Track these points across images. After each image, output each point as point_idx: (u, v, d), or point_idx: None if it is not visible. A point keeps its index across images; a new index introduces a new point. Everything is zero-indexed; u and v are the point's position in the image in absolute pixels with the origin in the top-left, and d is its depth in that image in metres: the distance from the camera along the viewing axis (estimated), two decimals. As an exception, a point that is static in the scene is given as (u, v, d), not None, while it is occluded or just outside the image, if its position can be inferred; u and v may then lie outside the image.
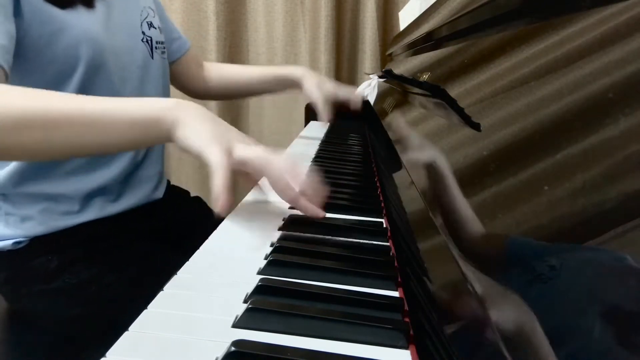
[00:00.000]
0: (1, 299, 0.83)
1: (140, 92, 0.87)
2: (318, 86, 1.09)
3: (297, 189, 0.57)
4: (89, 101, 0.61)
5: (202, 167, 1.96)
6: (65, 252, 0.79)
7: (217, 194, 0.54)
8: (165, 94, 0.96)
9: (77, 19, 0.75)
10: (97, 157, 0.81)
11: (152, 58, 0.89)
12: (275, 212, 0.63)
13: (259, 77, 1.16)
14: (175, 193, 1.04)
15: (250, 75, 1.17)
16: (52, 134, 0.58)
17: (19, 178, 0.78)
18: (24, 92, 0.59)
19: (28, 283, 0.79)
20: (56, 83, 0.74)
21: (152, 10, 0.94)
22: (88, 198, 0.81)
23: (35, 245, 0.79)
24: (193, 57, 1.11)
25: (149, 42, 0.89)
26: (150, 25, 0.91)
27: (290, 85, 1.14)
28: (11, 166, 0.78)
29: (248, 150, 0.57)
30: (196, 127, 0.58)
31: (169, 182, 1.03)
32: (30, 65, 0.73)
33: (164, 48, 0.94)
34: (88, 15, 0.77)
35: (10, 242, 0.78)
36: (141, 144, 0.72)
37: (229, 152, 0.56)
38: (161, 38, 0.93)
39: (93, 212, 0.81)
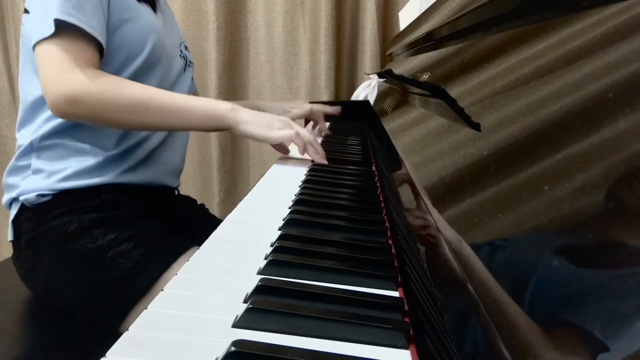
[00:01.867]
0: (20, 268, 0.86)
1: None
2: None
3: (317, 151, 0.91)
4: (177, 96, 0.85)
5: (201, 165, 1.96)
6: (86, 215, 0.83)
7: (301, 150, 0.90)
8: None
9: (147, 13, 0.90)
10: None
11: (184, 72, 1.03)
12: (276, 212, 0.63)
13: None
14: (184, 199, 1.13)
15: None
16: (151, 117, 0.82)
17: (55, 137, 0.86)
18: (134, 84, 0.83)
19: (48, 244, 0.83)
20: (122, 64, 0.87)
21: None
22: (113, 162, 0.89)
23: (58, 202, 0.84)
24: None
25: (185, 58, 1.04)
26: (186, 48, 1.07)
27: None
28: (51, 124, 0.86)
29: (287, 131, 0.87)
30: (255, 124, 0.86)
31: (178, 190, 1.10)
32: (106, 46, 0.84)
33: (192, 69, 1.09)
34: (152, 15, 0.92)
35: (34, 194, 0.84)
36: (208, 129, 0.93)
37: (288, 136, 0.87)
38: (193, 61, 1.10)
39: (114, 177, 0.88)
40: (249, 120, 0.85)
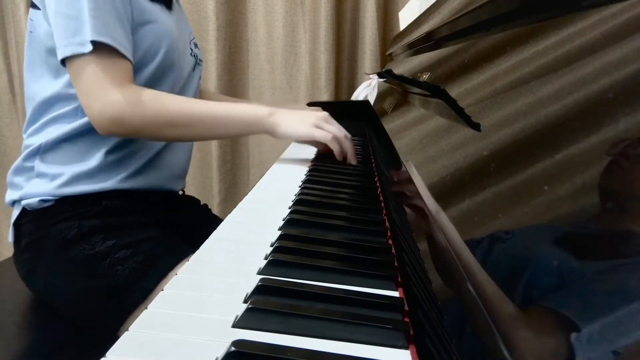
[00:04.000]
0: (20, 269, 0.86)
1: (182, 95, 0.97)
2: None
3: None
4: (216, 106, 0.87)
5: (201, 165, 1.96)
6: (86, 221, 0.83)
7: (338, 154, 0.91)
8: None
9: (162, 15, 0.89)
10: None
11: (193, 71, 1.02)
12: (276, 212, 0.63)
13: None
14: (187, 199, 1.12)
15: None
16: (194, 129, 0.85)
17: (61, 142, 0.86)
18: (174, 98, 0.86)
19: (47, 249, 0.83)
20: (135, 69, 0.86)
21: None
22: (115, 167, 0.88)
23: (59, 207, 0.84)
24: None
25: (195, 57, 1.03)
26: (196, 45, 1.06)
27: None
28: (57, 131, 0.85)
29: (329, 127, 0.89)
30: (289, 123, 0.87)
31: (183, 190, 1.09)
32: None
33: (201, 68, 1.08)
34: (167, 15, 0.91)
35: (37, 199, 0.84)
36: (245, 134, 0.98)
37: (316, 128, 0.88)
38: (202, 58, 1.08)
39: (116, 183, 0.87)
40: (284, 122, 0.86)
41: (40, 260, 0.83)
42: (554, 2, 0.43)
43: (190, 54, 1.02)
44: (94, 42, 0.77)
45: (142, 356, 0.33)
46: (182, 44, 0.96)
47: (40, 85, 0.86)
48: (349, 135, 0.91)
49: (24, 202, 0.85)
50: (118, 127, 0.81)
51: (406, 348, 0.36)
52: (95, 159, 0.87)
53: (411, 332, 0.37)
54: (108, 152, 0.88)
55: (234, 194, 1.96)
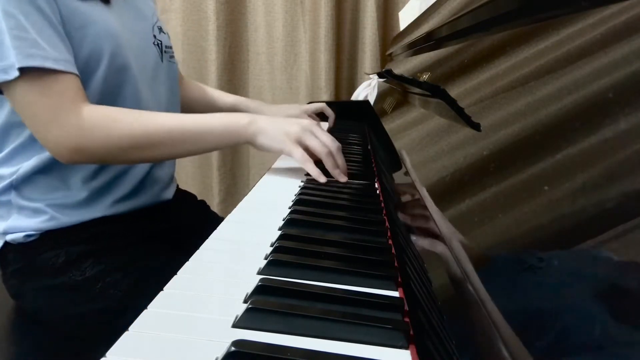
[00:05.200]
0: (7, 293, 0.83)
1: (153, 94, 0.89)
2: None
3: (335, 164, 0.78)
4: (184, 119, 0.77)
5: (201, 166, 1.96)
6: (74, 247, 0.79)
7: (317, 176, 0.76)
8: (174, 97, 0.97)
9: (98, 15, 0.77)
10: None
11: (162, 61, 0.92)
12: (276, 212, 0.63)
13: (231, 106, 1.17)
14: (182, 196, 1.06)
15: (225, 102, 1.17)
16: (162, 149, 0.76)
17: (37, 174, 0.79)
18: (140, 114, 0.76)
19: (34, 277, 0.80)
20: (82, 79, 0.76)
21: (158, 16, 0.96)
22: (101, 194, 0.82)
23: (45, 239, 0.80)
24: None
25: (159, 45, 0.92)
26: (160, 30, 0.93)
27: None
28: (29, 163, 0.78)
29: (313, 140, 0.77)
30: (269, 134, 0.77)
31: (177, 185, 1.04)
32: None
33: (173, 53, 0.97)
34: (105, 10, 0.79)
35: (22, 235, 0.79)
36: (225, 147, 0.87)
37: (300, 142, 0.76)
38: (169, 43, 0.96)
39: (105, 209, 0.82)
40: (264, 131, 0.77)
41: (28, 287, 0.80)
42: (554, 2, 0.43)
43: (154, 43, 0.90)
44: (21, 70, 0.67)
45: (142, 356, 0.33)
46: (137, 37, 0.86)
47: None
48: (339, 145, 0.79)
49: (7, 237, 0.80)
50: (80, 156, 0.73)
51: (406, 348, 0.36)
52: (76, 189, 0.80)
53: (411, 332, 0.37)
54: (88, 179, 0.81)
55: (234, 194, 1.96)
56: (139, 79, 0.84)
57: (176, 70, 0.98)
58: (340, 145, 0.79)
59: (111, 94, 0.80)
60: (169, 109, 0.94)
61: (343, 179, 0.77)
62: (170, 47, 0.96)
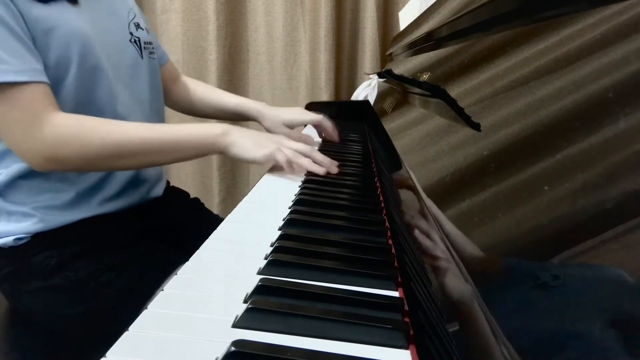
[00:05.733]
0: (1, 296, 0.83)
1: (132, 92, 0.88)
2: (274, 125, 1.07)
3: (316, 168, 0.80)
4: (162, 130, 0.79)
5: (201, 166, 1.96)
6: (65, 248, 0.79)
7: (325, 162, 0.80)
8: (156, 93, 0.96)
9: (64, 17, 0.75)
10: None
11: (142, 58, 0.91)
12: (276, 212, 0.63)
13: (236, 106, 1.15)
14: (175, 194, 1.05)
15: (230, 102, 1.15)
16: (137, 159, 0.77)
17: (20, 179, 0.79)
18: (113, 124, 0.77)
19: (27, 279, 0.79)
20: (53, 84, 0.75)
21: (136, 13, 0.95)
22: (88, 195, 0.82)
23: (36, 241, 0.80)
24: (169, 72, 1.10)
25: (137, 42, 0.90)
26: (138, 26, 0.92)
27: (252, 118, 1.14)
28: (11, 169, 0.78)
29: (281, 155, 0.79)
30: (243, 146, 0.79)
31: (168, 182, 1.04)
32: None
33: (153, 49, 0.95)
34: (73, 11, 0.77)
35: (12, 238, 0.79)
36: (199, 157, 0.86)
37: (271, 154, 0.79)
38: (149, 39, 0.95)
39: (93, 209, 0.82)
40: (237, 143, 0.79)
41: (21, 289, 0.80)
42: (554, 2, 0.43)
43: (130, 40, 0.89)
44: None
45: (142, 356, 0.33)
46: (109, 36, 0.84)
47: None
48: (314, 147, 0.83)
49: None
50: (58, 165, 0.74)
51: (406, 348, 0.36)
52: (63, 190, 0.80)
53: (411, 332, 0.37)
54: (74, 181, 0.81)
55: (234, 194, 1.96)
56: (113, 78, 0.83)
57: (157, 66, 0.97)
58: (312, 146, 0.84)
59: (85, 96, 0.79)
60: (152, 105, 0.93)
61: (334, 170, 0.81)
62: (150, 43, 0.95)
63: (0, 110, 0.70)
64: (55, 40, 0.74)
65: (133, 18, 0.92)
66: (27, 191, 0.79)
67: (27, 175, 0.79)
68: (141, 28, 0.93)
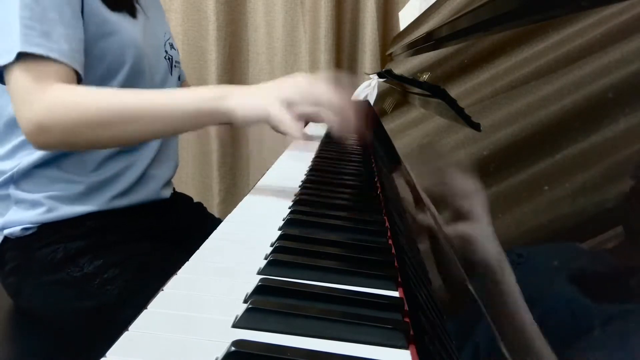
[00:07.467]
0: (5, 291, 0.84)
1: None
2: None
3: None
4: (157, 96, 0.72)
5: (201, 165, 1.96)
6: (72, 243, 0.80)
7: (289, 130, 0.66)
8: None
9: (123, 26, 0.82)
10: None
11: (171, 74, 0.97)
12: (276, 212, 0.63)
13: None
14: (179, 198, 1.08)
15: None
16: (131, 127, 0.71)
17: (35, 168, 0.81)
18: (101, 89, 0.75)
19: (33, 273, 0.80)
20: (102, 80, 0.81)
21: (171, 35, 1.03)
22: (100, 189, 0.84)
23: (43, 233, 0.81)
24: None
25: (170, 60, 0.97)
26: (172, 46, 1.00)
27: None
28: (30, 157, 0.80)
29: (294, 94, 0.68)
30: (248, 105, 0.68)
31: (174, 188, 1.06)
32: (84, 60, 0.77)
33: (180, 69, 1.03)
34: (130, 22, 0.85)
35: (19, 228, 0.80)
36: (202, 126, 0.77)
37: (283, 106, 0.67)
38: (179, 59, 1.03)
39: (102, 204, 0.84)
40: (241, 103, 0.68)
41: (26, 284, 0.81)
42: (554, 2, 0.43)
43: (165, 57, 0.95)
44: (20, 54, 0.69)
45: (142, 356, 0.33)
46: (152, 50, 0.90)
47: (5, 99, 0.76)
48: (340, 99, 0.70)
49: (5, 232, 0.81)
50: (44, 136, 0.70)
51: (406, 348, 0.36)
52: (75, 182, 0.82)
53: (411, 332, 0.37)
54: (88, 173, 0.82)
55: (234, 194, 1.96)
56: (149, 87, 0.89)
57: (179, 84, 1.03)
58: (343, 96, 0.70)
59: None
60: None
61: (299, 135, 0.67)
62: (179, 63, 1.03)
63: (20, 75, 0.70)
64: (114, 43, 0.81)
65: (168, 39, 1.00)
66: (40, 180, 0.81)
67: (42, 164, 0.81)
68: (174, 48, 1.01)
